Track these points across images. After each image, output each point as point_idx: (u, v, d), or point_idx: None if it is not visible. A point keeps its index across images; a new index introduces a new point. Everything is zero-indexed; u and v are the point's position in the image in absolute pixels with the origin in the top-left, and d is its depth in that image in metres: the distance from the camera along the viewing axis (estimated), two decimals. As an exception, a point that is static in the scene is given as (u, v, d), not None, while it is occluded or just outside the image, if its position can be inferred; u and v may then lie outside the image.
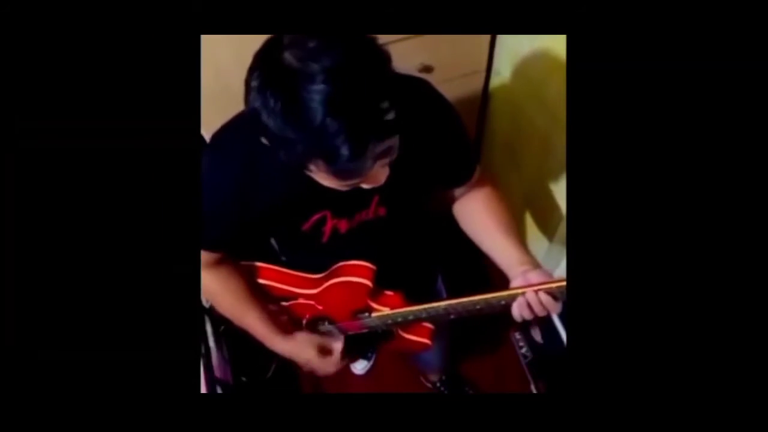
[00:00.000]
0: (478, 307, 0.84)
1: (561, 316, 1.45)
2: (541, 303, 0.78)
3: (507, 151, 1.48)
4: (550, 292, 0.77)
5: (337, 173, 0.63)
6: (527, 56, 1.27)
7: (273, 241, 1.05)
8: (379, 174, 0.69)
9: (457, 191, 0.98)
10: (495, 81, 1.49)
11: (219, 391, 1.42)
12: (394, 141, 0.64)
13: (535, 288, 0.77)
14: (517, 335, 1.74)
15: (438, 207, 1.01)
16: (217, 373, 1.48)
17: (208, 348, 1.52)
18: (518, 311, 0.80)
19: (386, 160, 0.66)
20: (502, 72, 1.43)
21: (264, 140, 0.64)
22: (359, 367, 1.86)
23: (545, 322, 1.52)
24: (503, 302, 0.81)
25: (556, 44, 1.10)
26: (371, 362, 1.87)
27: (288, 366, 1.11)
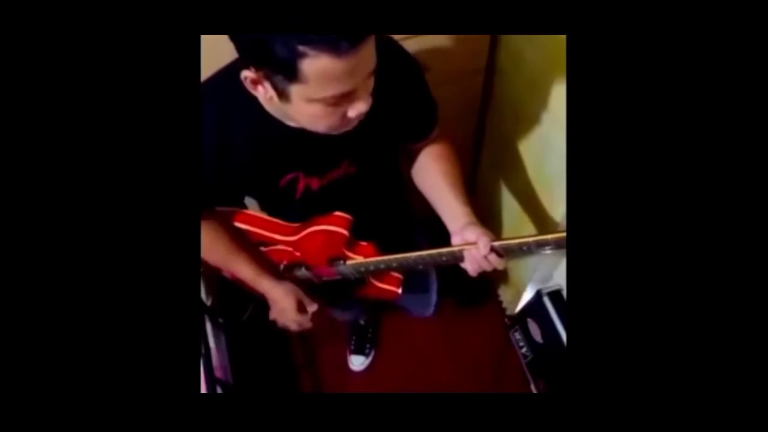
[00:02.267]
0: (443, 258, 0.91)
1: (561, 316, 1.45)
2: (487, 258, 0.84)
3: (507, 151, 1.48)
4: (495, 250, 0.84)
5: (336, 75, 0.64)
6: (527, 56, 1.27)
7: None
8: (364, 90, 0.72)
9: (416, 146, 1.02)
10: (495, 81, 1.49)
11: (219, 391, 1.42)
12: (373, 48, 0.68)
13: (489, 244, 0.83)
14: (517, 335, 1.74)
15: (425, 212, 1.05)
16: (217, 373, 1.48)
17: (208, 348, 1.52)
18: (469, 267, 0.88)
19: (370, 76, 0.70)
20: (502, 72, 1.43)
21: (251, 75, 0.69)
22: (357, 363, 1.86)
23: (545, 322, 1.51)
24: (459, 255, 0.88)
25: (556, 44, 1.10)
26: (369, 359, 1.87)
27: (264, 309, 1.17)
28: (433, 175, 0.99)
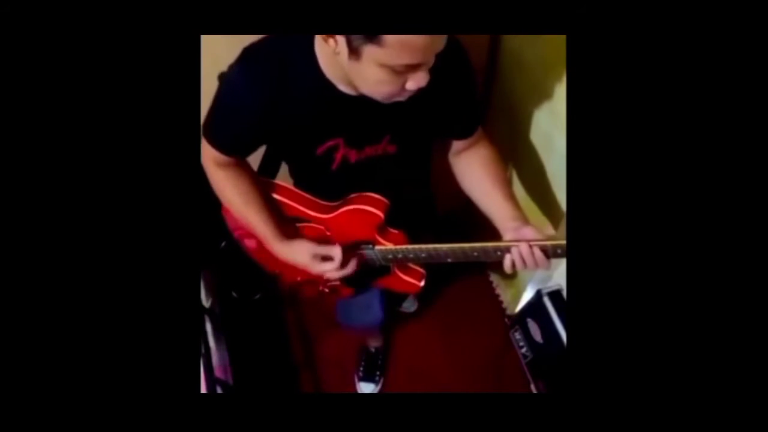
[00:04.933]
0: (475, 254, 0.93)
1: (561, 316, 1.45)
2: (533, 256, 0.87)
3: (507, 151, 1.48)
4: (543, 249, 0.86)
5: (415, 47, 0.68)
6: (527, 56, 1.27)
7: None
8: (429, 65, 0.74)
9: (458, 145, 1.05)
10: (495, 81, 1.48)
11: (219, 391, 1.42)
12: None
13: (532, 242, 0.86)
14: (517, 335, 1.74)
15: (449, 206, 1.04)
16: (217, 373, 1.48)
17: (208, 348, 1.52)
18: (509, 262, 0.90)
19: (436, 55, 0.73)
20: (503, 72, 1.43)
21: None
22: (368, 390, 1.82)
23: (545, 322, 1.51)
24: (498, 252, 0.90)
25: (556, 44, 1.10)
26: (378, 386, 1.83)
27: (275, 292, 1.16)
28: (483, 179, 1.02)
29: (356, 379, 1.85)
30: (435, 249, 0.98)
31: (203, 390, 1.36)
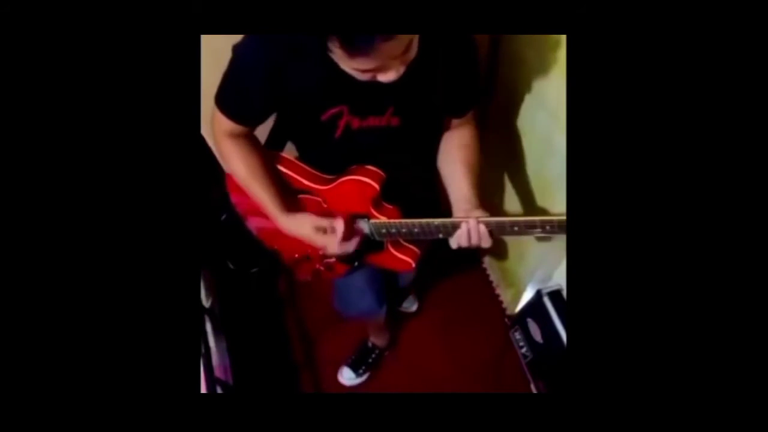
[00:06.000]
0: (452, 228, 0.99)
1: (561, 316, 1.45)
2: (478, 233, 0.96)
3: (507, 151, 1.48)
4: (488, 227, 0.95)
5: (350, 50, 0.70)
6: (527, 56, 1.27)
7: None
8: (392, 65, 0.78)
9: (451, 123, 1.09)
10: (495, 81, 1.48)
11: (219, 391, 1.42)
12: (408, 41, 0.73)
13: (480, 219, 0.95)
14: (517, 335, 1.74)
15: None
16: (217, 373, 1.48)
17: (208, 348, 1.52)
18: (456, 240, 0.98)
19: (399, 49, 0.74)
20: (502, 72, 1.43)
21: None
22: (346, 377, 1.83)
23: (545, 322, 1.51)
24: (456, 225, 0.97)
25: (556, 44, 1.10)
26: (359, 380, 1.83)
27: (272, 272, 1.16)
28: (456, 161, 1.07)
29: (343, 364, 1.85)
30: (428, 223, 1.00)
31: (203, 390, 1.36)
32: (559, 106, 1.17)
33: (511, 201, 1.59)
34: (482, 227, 0.96)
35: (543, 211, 1.42)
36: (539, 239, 1.51)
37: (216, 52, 0.92)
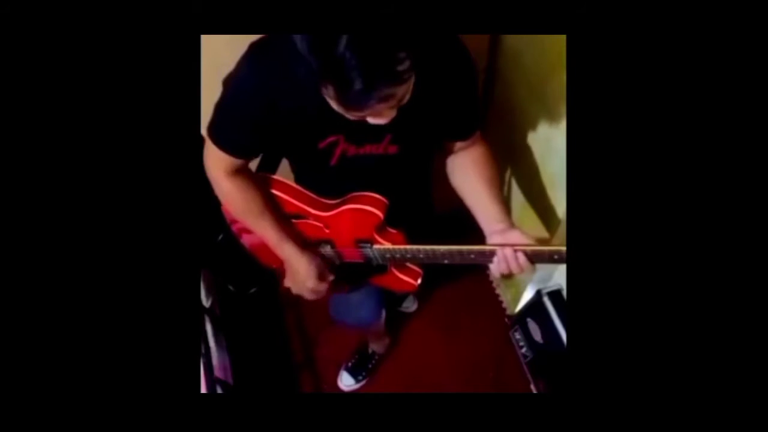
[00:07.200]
0: (471, 256, 0.95)
1: (561, 316, 1.45)
2: (517, 261, 0.88)
3: (507, 152, 1.48)
4: (526, 254, 0.88)
5: (344, 103, 0.70)
6: (527, 56, 1.27)
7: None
8: (384, 113, 0.76)
9: (456, 145, 1.05)
10: (495, 81, 1.49)
11: (219, 391, 1.42)
12: (403, 89, 0.71)
13: (515, 247, 0.88)
14: (517, 335, 1.74)
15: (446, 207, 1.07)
16: (217, 373, 1.48)
17: (208, 348, 1.52)
18: (496, 266, 0.92)
19: (393, 103, 0.73)
20: (502, 72, 1.43)
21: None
22: (346, 383, 1.82)
23: (545, 322, 1.51)
24: (488, 254, 0.92)
25: (556, 44, 1.10)
26: (358, 386, 1.83)
27: (271, 286, 1.19)
28: (473, 178, 1.03)
29: (342, 368, 1.85)
30: (433, 250, 0.99)
31: (203, 390, 1.36)
32: (558, 106, 1.17)
33: (512, 201, 1.59)
34: (521, 257, 0.88)
35: (543, 211, 1.42)
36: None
37: (216, 53, 0.92)
